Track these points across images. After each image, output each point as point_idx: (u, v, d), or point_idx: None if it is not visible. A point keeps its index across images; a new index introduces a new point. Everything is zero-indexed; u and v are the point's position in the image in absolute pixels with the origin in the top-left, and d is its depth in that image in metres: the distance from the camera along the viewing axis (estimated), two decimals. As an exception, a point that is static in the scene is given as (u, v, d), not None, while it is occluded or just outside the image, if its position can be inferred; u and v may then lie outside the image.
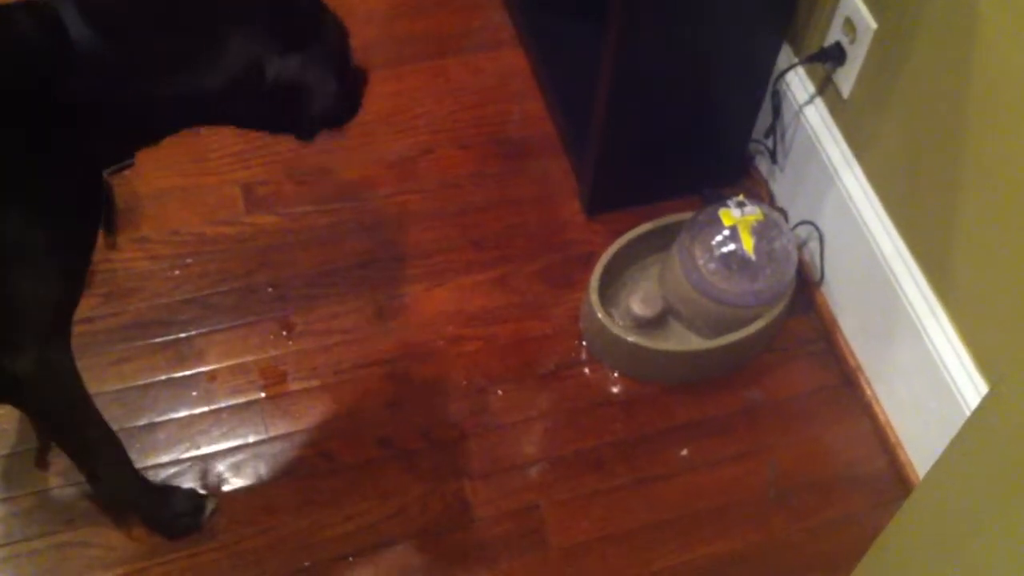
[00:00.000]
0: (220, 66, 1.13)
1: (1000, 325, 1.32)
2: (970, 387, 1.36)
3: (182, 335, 1.56)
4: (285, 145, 1.75)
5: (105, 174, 1.17)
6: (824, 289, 1.64)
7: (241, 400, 1.51)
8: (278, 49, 1.15)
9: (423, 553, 1.41)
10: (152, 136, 1.19)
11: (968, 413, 1.33)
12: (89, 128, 1.10)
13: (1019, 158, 1.24)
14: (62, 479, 1.43)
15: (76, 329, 1.54)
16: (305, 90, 1.18)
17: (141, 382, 1.52)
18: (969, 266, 1.36)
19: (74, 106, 1.08)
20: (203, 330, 1.56)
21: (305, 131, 1.27)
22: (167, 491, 1.41)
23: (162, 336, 1.55)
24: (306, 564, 1.39)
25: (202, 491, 1.43)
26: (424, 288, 1.63)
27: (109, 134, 1.13)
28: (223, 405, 1.51)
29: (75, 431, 1.26)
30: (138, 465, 1.44)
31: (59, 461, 1.44)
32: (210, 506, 1.42)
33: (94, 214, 1.17)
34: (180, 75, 1.12)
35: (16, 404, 1.24)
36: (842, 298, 1.61)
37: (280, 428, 1.50)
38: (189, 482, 1.44)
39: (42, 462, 1.44)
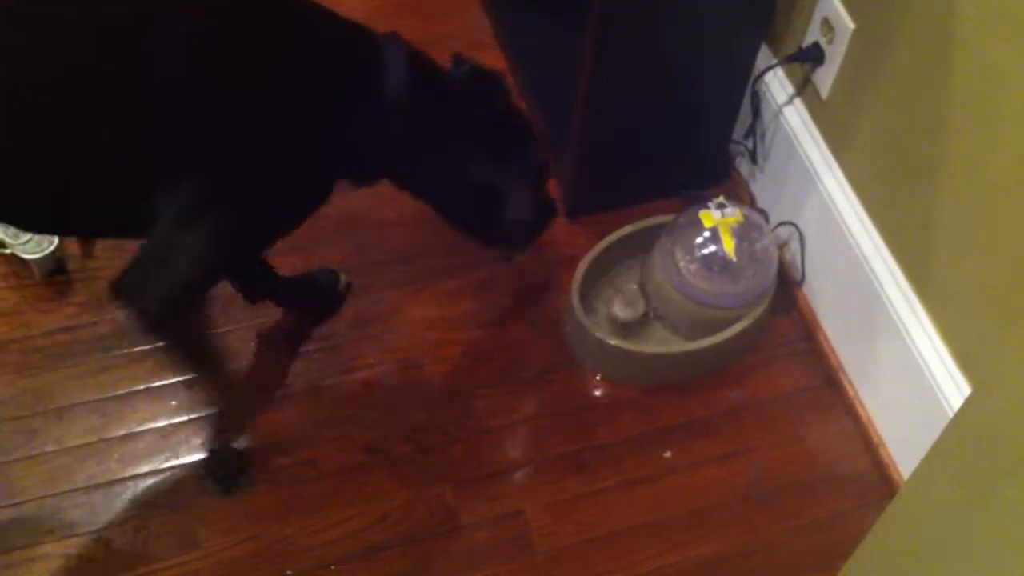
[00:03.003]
0: (457, 169, 1.31)
1: (980, 324, 1.33)
2: (951, 386, 1.36)
3: (161, 344, 1.54)
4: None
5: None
6: (806, 289, 1.64)
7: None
8: (490, 155, 1.32)
9: (407, 560, 1.40)
10: (369, 179, 1.33)
11: (950, 411, 1.34)
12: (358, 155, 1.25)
13: (998, 157, 1.24)
14: (41, 491, 1.42)
15: (53, 339, 1.54)
16: (503, 194, 1.33)
17: (120, 391, 1.50)
18: (949, 265, 1.36)
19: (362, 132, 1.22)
20: (182, 338, 1.55)
21: (491, 234, 1.43)
22: (230, 452, 1.45)
23: (140, 345, 1.54)
24: (289, 573, 1.38)
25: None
26: (405, 293, 1.62)
27: (354, 163, 1.27)
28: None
29: (186, 363, 1.38)
30: (117, 476, 1.44)
31: (37, 472, 1.43)
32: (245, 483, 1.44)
33: (303, 206, 1.26)
34: (430, 157, 1.30)
35: None
36: (824, 298, 1.61)
37: (262, 436, 1.49)
38: (169, 492, 1.43)
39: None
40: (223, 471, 1.44)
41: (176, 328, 1.24)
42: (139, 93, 1.11)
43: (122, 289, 1.16)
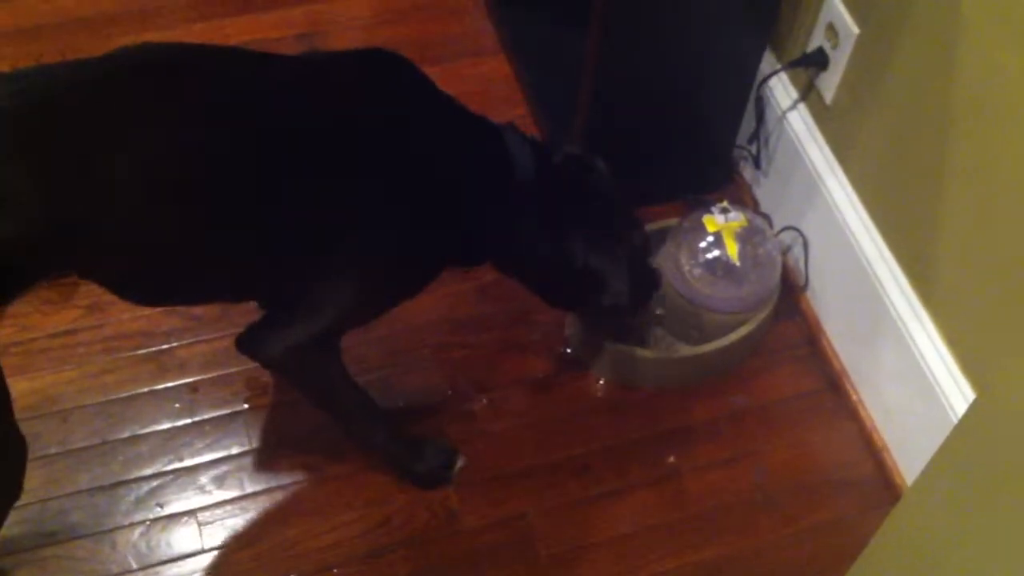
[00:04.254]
0: (559, 253, 1.32)
1: (984, 328, 1.33)
2: (955, 390, 1.36)
3: (164, 346, 1.54)
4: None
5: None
6: (809, 294, 1.64)
7: (224, 411, 1.50)
8: (589, 238, 1.32)
9: (409, 563, 1.40)
10: (478, 263, 1.38)
11: (953, 416, 1.34)
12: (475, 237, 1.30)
13: (1002, 161, 1.24)
14: (44, 493, 1.42)
15: (57, 341, 1.54)
16: (599, 279, 1.33)
17: (123, 394, 1.50)
18: (952, 270, 1.36)
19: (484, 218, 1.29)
20: (185, 341, 1.55)
21: (590, 316, 1.49)
22: (420, 445, 1.46)
23: (144, 348, 1.54)
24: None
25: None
26: (409, 296, 1.62)
27: (477, 245, 1.32)
28: (206, 417, 1.50)
29: (321, 404, 1.37)
30: (121, 478, 1.44)
31: (40, 474, 1.43)
32: (460, 461, 1.46)
33: (419, 285, 1.33)
34: (539, 243, 1.32)
35: None
36: (827, 303, 1.61)
37: (264, 439, 1.49)
38: (172, 495, 1.44)
39: None
40: (431, 468, 1.46)
41: (310, 376, 1.31)
42: (311, 168, 1.17)
43: (248, 343, 1.26)
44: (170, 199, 1.11)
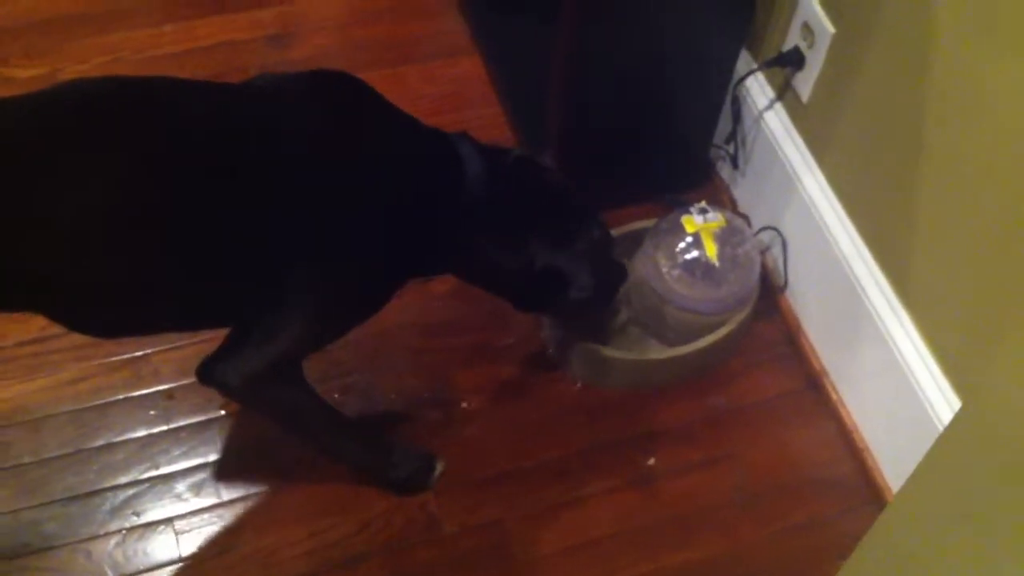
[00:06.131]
0: (519, 256, 1.32)
1: (963, 327, 1.33)
2: (935, 389, 1.36)
3: (139, 353, 1.53)
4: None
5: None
6: (788, 294, 1.64)
7: (200, 418, 1.49)
8: (549, 237, 1.32)
9: (387, 570, 1.39)
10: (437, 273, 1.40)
11: (933, 416, 1.34)
12: (431, 248, 1.29)
13: (977, 159, 1.24)
14: (18, 504, 1.40)
15: (27, 350, 1.52)
16: (564, 275, 1.34)
17: (98, 402, 1.49)
18: (931, 268, 1.36)
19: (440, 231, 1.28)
20: (160, 348, 1.53)
21: (560, 315, 1.50)
22: (396, 453, 1.44)
23: (118, 355, 1.52)
24: (269, 584, 1.38)
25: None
26: (385, 300, 1.61)
27: (433, 258, 1.32)
28: (182, 424, 1.48)
29: (289, 429, 1.38)
30: (96, 487, 1.42)
31: (13, 484, 1.41)
32: (440, 467, 1.45)
33: (377, 304, 1.31)
34: (498, 249, 1.32)
35: None
36: (806, 302, 1.61)
37: (240, 446, 1.47)
38: (148, 503, 1.42)
39: None
40: (409, 474, 1.45)
41: (274, 403, 1.30)
42: (260, 195, 1.15)
43: (207, 375, 1.25)
44: (118, 236, 1.09)
